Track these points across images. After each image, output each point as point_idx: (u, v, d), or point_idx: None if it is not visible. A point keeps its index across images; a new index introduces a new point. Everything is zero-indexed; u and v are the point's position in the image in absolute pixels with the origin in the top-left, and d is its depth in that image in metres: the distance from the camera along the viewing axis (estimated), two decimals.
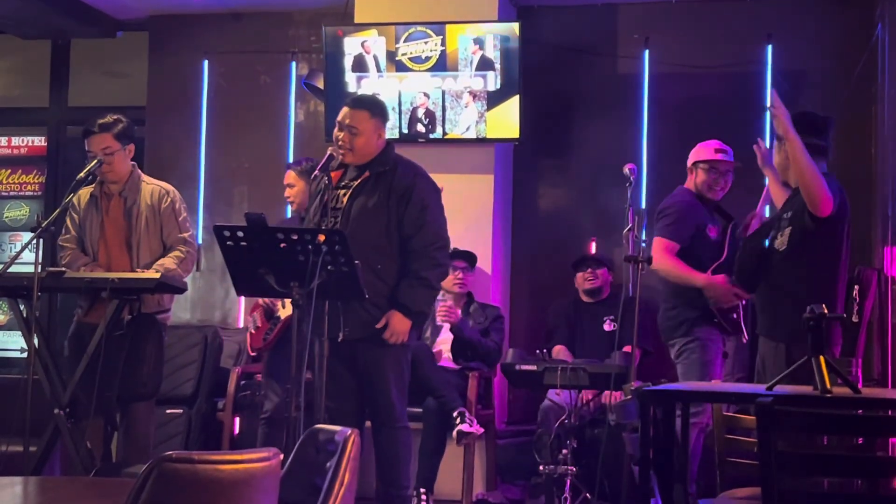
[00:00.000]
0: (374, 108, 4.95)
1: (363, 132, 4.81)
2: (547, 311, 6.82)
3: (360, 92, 6.61)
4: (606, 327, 6.41)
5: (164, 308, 5.36)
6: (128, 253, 5.32)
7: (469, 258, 6.41)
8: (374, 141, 4.86)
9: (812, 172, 4.51)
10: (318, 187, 4.82)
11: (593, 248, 7.04)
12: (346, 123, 4.82)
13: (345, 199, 4.79)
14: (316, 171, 4.73)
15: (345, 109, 4.88)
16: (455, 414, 5.67)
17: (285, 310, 5.78)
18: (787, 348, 4.59)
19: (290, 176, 6.04)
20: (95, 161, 5.27)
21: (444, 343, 6.26)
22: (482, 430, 5.83)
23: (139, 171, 5.47)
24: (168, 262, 5.27)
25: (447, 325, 6.22)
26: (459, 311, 6.20)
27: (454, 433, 5.66)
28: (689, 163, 5.73)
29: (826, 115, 4.88)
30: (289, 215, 6.68)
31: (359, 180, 4.82)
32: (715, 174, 5.64)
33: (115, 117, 5.38)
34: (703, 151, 5.70)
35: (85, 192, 5.43)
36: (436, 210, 4.89)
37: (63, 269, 5.16)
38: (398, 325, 4.74)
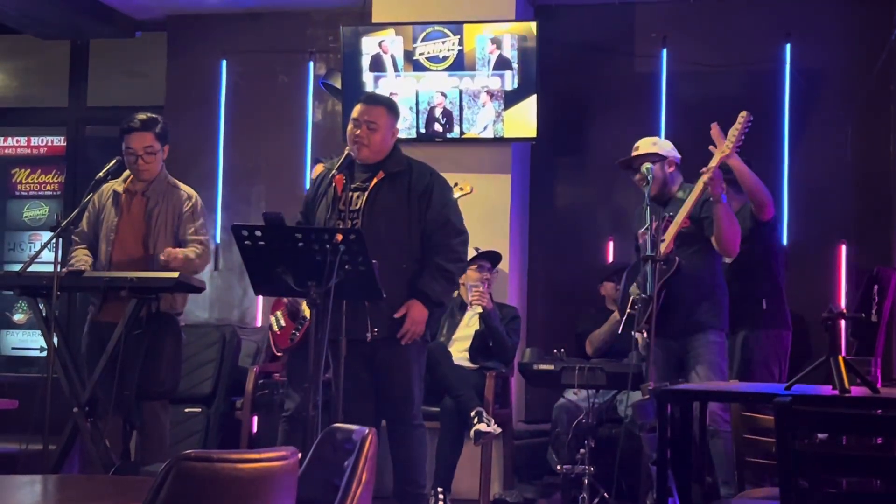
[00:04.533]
0: (389, 104, 4.97)
1: (380, 128, 4.80)
2: (564, 312, 6.84)
3: (377, 91, 6.62)
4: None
5: (176, 311, 5.35)
6: (145, 252, 5.31)
7: (493, 258, 6.38)
8: (389, 138, 4.86)
9: (760, 187, 5.43)
10: (325, 186, 4.81)
11: (611, 248, 7.02)
12: (363, 119, 4.79)
13: (362, 201, 4.76)
14: (333, 171, 4.72)
15: (359, 106, 4.85)
16: (472, 413, 5.66)
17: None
18: None
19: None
20: (115, 161, 5.27)
21: (457, 341, 6.25)
22: (500, 429, 5.82)
23: (166, 172, 5.45)
24: (188, 251, 5.25)
25: (461, 325, 6.23)
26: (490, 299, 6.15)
27: (471, 433, 5.65)
28: None
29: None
30: None
31: (374, 181, 4.79)
32: (633, 172, 5.38)
33: (153, 116, 5.35)
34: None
35: (108, 188, 5.42)
36: (455, 206, 4.92)
37: (82, 268, 5.17)
38: (417, 315, 4.67)
